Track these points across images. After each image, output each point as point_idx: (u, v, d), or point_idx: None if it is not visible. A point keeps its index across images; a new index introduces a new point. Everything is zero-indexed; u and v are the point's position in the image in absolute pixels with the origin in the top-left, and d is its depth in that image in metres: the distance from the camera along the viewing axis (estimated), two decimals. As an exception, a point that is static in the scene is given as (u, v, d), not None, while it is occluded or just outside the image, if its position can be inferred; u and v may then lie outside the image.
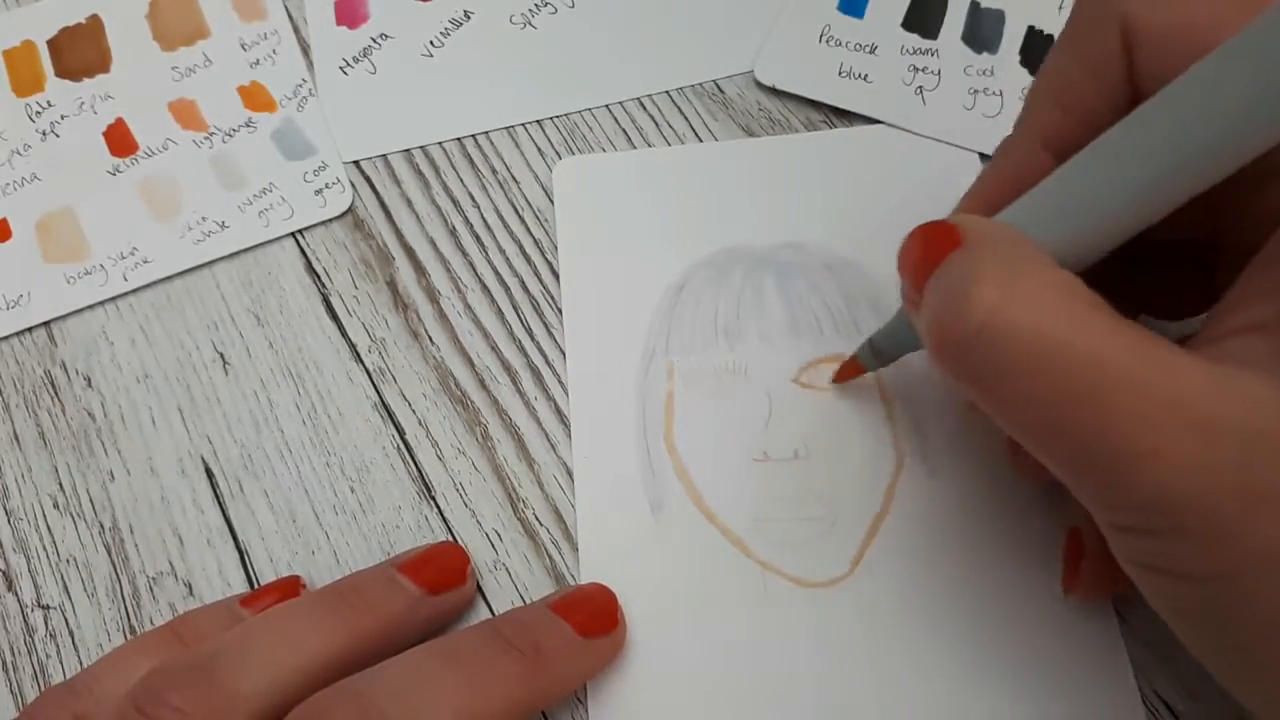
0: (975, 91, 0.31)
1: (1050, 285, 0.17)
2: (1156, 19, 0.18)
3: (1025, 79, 0.32)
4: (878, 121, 0.31)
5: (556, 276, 0.30)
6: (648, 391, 0.27)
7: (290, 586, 0.26)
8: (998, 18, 0.33)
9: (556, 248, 0.30)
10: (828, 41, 0.32)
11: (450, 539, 0.27)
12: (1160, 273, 0.22)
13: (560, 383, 0.28)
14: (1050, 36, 0.32)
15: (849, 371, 0.26)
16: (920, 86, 0.32)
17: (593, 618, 0.24)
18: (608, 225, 0.30)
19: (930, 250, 0.19)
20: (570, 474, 0.27)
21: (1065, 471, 0.17)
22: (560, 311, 0.29)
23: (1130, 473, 0.16)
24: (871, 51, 0.32)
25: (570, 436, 0.27)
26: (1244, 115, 0.16)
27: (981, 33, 0.32)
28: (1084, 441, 0.16)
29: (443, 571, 0.25)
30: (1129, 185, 0.18)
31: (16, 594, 0.28)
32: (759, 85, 0.32)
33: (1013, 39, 0.32)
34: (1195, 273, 0.21)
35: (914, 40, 0.32)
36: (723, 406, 0.27)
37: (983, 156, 0.30)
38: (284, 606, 0.24)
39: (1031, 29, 0.32)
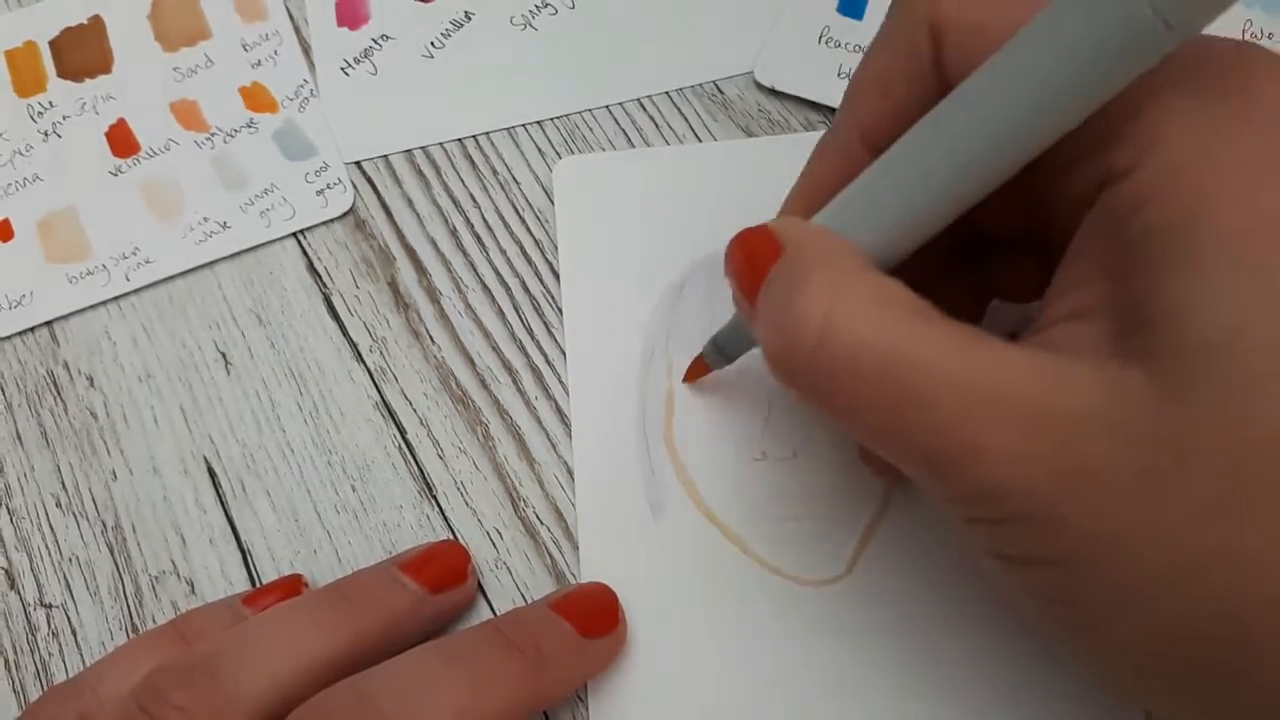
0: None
1: (870, 295, 0.18)
2: (963, 15, 0.19)
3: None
4: None
5: (557, 276, 0.30)
6: (647, 391, 0.28)
7: (292, 585, 0.26)
8: (996, 18, 0.33)
9: (556, 248, 0.30)
10: (827, 43, 0.33)
11: (451, 538, 0.27)
12: (1004, 258, 0.23)
13: (560, 382, 0.28)
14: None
15: (697, 371, 0.27)
16: (920, 87, 0.32)
17: (593, 617, 0.24)
18: (608, 225, 0.30)
19: (752, 260, 0.20)
20: (570, 473, 0.27)
21: (908, 470, 0.18)
22: (560, 311, 0.29)
23: (961, 469, 0.16)
24: None
25: (570, 436, 0.28)
26: (1031, 106, 0.16)
27: (981, 33, 0.33)
28: (918, 444, 0.17)
29: (444, 570, 0.25)
30: (932, 178, 0.18)
31: (19, 593, 0.28)
32: (759, 86, 0.32)
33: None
34: (1036, 256, 0.21)
35: None
36: (722, 406, 0.27)
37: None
38: (286, 605, 0.24)
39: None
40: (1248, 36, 0.32)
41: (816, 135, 0.31)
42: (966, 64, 0.18)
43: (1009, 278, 0.23)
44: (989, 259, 0.23)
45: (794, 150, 0.31)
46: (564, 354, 0.29)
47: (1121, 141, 0.16)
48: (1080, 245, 0.18)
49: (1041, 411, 0.16)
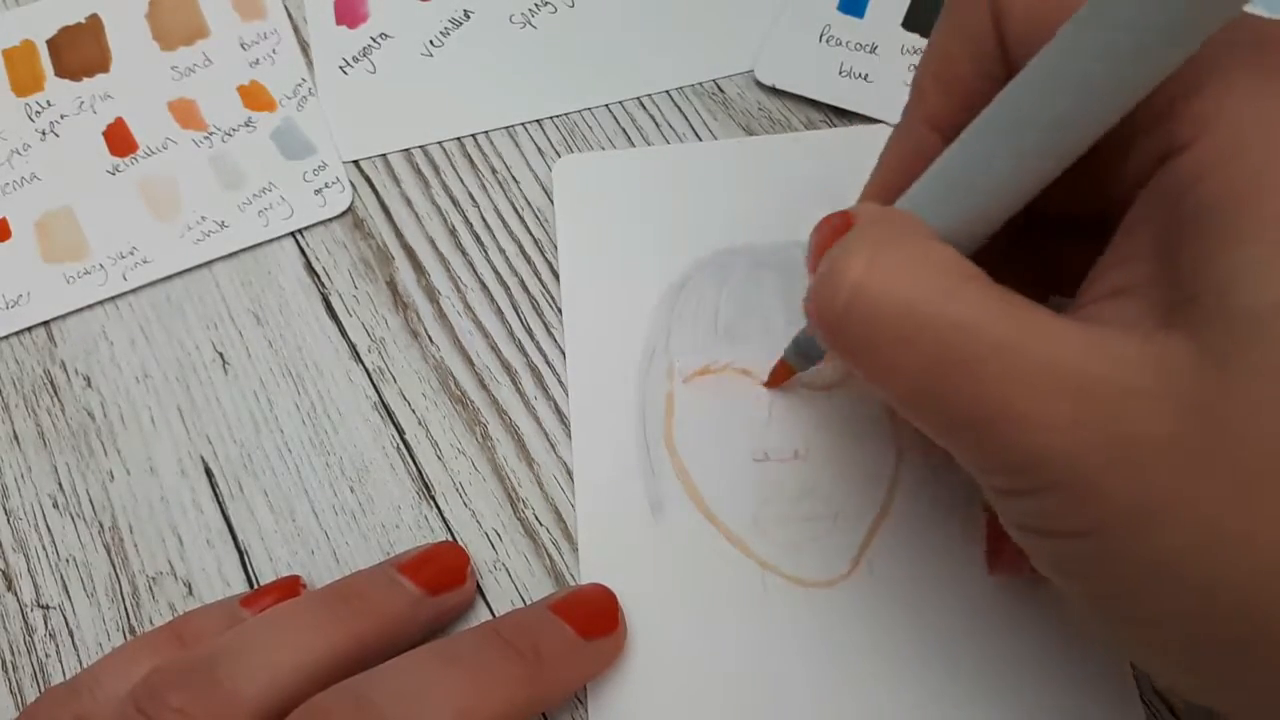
0: (976, 91, 0.31)
1: (921, 256, 0.17)
2: None
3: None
4: (878, 121, 0.31)
5: (556, 276, 0.30)
6: (648, 391, 0.27)
7: (290, 586, 0.26)
8: (998, 17, 0.33)
9: (556, 247, 0.30)
10: (828, 41, 0.32)
11: (450, 539, 0.27)
12: (1061, 251, 0.23)
13: (560, 383, 0.28)
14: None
15: (781, 375, 0.27)
16: (921, 86, 0.32)
17: (593, 619, 0.24)
18: (608, 224, 0.30)
19: (826, 239, 0.19)
20: (570, 474, 0.27)
21: (944, 439, 0.18)
22: (560, 311, 0.29)
23: (1002, 436, 0.16)
24: (872, 51, 0.32)
25: (570, 436, 0.27)
26: (1096, 82, 0.16)
27: (982, 32, 0.32)
28: (957, 408, 0.17)
29: (442, 571, 0.25)
30: (1002, 160, 0.18)
31: (16, 594, 0.28)
32: (759, 85, 0.32)
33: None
34: (1092, 248, 0.21)
35: (914, 40, 0.32)
36: (723, 406, 0.27)
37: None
38: (284, 607, 0.24)
39: (1032, 28, 0.32)
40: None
41: (817, 134, 0.31)
42: (1030, 44, 0.18)
43: (1069, 269, 0.23)
44: (1049, 251, 0.23)
45: (794, 148, 0.31)
46: (563, 354, 0.29)
47: (1180, 117, 0.16)
48: (1132, 221, 0.17)
49: (1087, 381, 0.15)
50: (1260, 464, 0.14)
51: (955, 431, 0.17)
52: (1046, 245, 0.23)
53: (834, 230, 0.19)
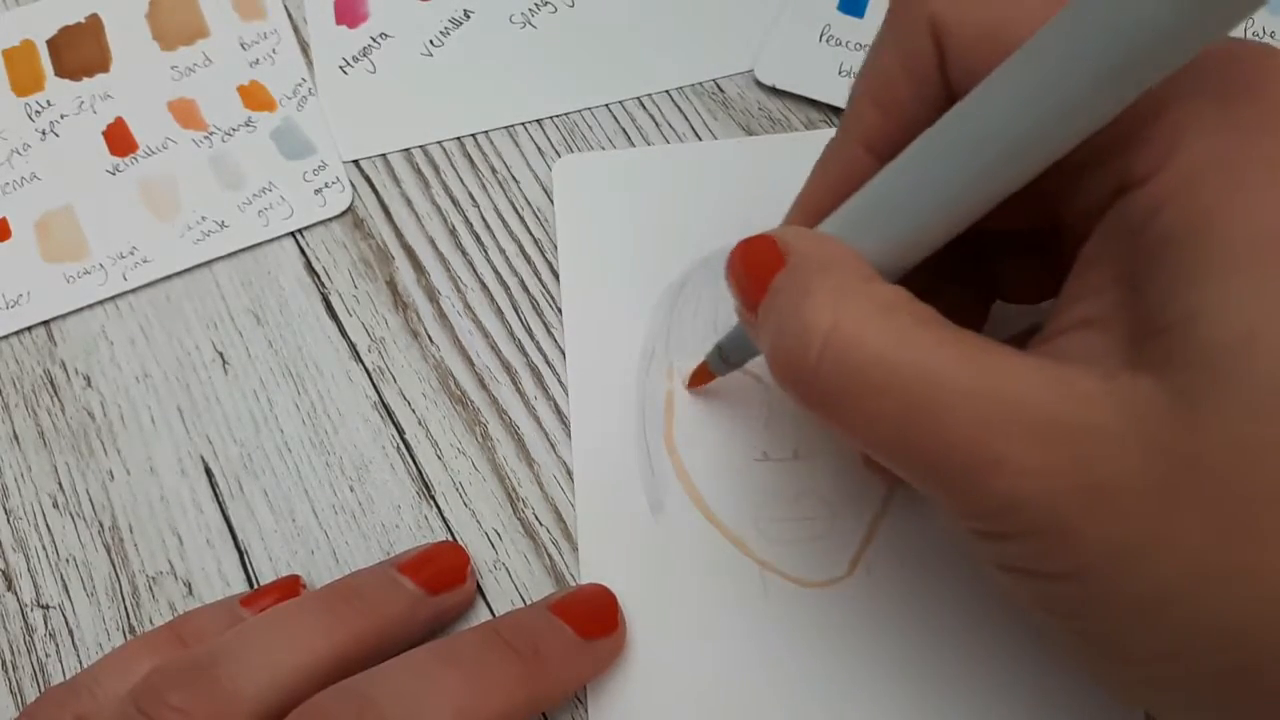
0: (975, 91, 0.31)
1: (881, 304, 0.17)
2: (965, 17, 0.18)
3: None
4: None
5: (556, 276, 0.30)
6: (647, 392, 0.27)
7: (290, 586, 0.26)
8: (998, 17, 0.33)
9: (556, 247, 0.30)
10: (828, 41, 0.32)
11: (450, 539, 0.27)
12: (1009, 260, 0.22)
13: (560, 383, 0.28)
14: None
15: (700, 378, 0.26)
16: (920, 86, 0.32)
17: (592, 619, 0.24)
18: (608, 224, 0.30)
19: (755, 269, 0.19)
20: (570, 474, 0.27)
21: (920, 485, 0.17)
22: (559, 311, 0.29)
23: (976, 482, 0.16)
24: None
25: (570, 437, 0.27)
26: (1048, 113, 0.16)
27: (982, 32, 0.32)
28: (930, 456, 0.16)
29: (442, 571, 0.25)
30: (942, 187, 0.18)
31: (16, 593, 0.28)
32: (759, 85, 0.32)
33: (1013, 38, 0.32)
34: (1042, 258, 0.21)
35: None
36: (722, 407, 0.27)
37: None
38: (284, 606, 0.24)
39: (1032, 29, 0.32)
40: (1249, 36, 0.32)
41: (818, 134, 0.31)
42: (973, 67, 0.18)
43: (1014, 279, 0.23)
44: (993, 260, 0.23)
45: (794, 148, 0.31)
46: (563, 354, 0.29)
47: (1140, 146, 0.16)
48: (1093, 252, 0.17)
49: (1055, 423, 0.15)
50: (1240, 500, 0.14)
51: (931, 478, 0.17)
52: (987, 256, 0.22)
53: (762, 262, 0.19)
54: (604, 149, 0.31)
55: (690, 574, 0.25)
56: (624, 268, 0.29)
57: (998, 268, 0.23)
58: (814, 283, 0.18)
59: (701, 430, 0.27)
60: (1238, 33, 0.32)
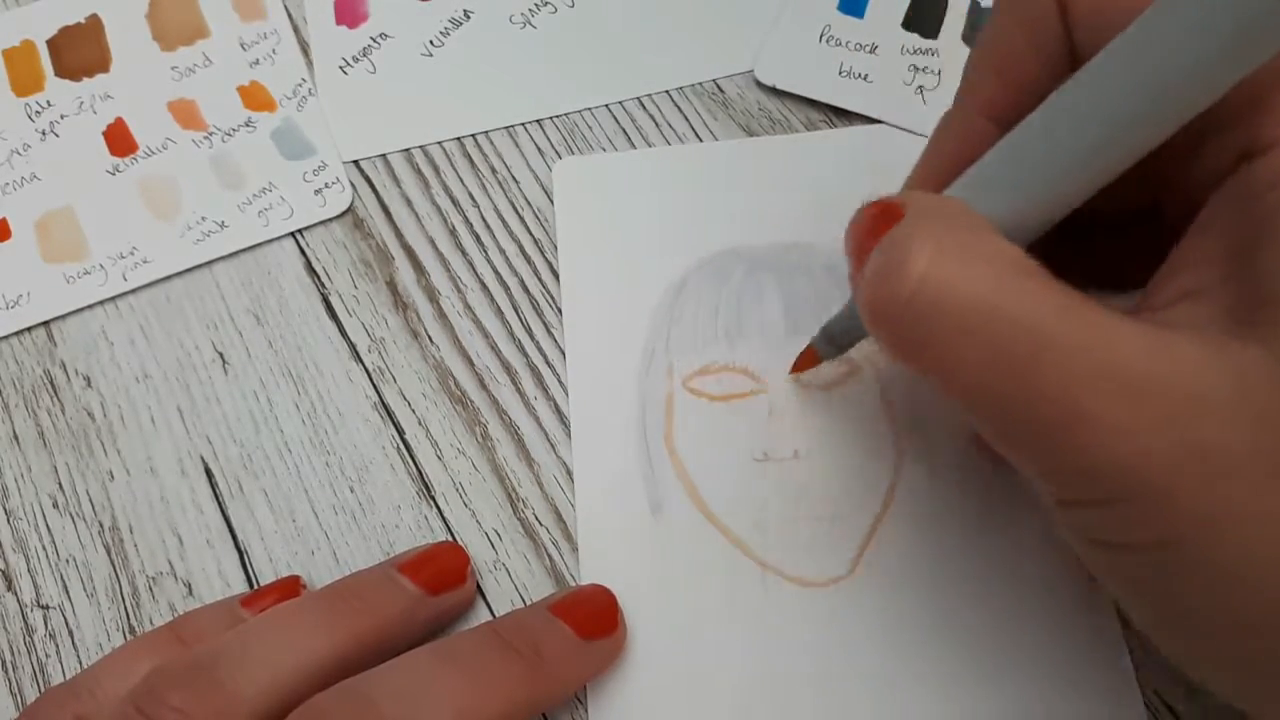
0: (975, 91, 0.31)
1: (984, 251, 0.17)
2: None
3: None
4: (878, 121, 0.31)
5: (556, 276, 0.30)
6: (648, 392, 0.27)
7: (290, 586, 0.26)
8: (998, 17, 0.33)
9: (556, 247, 0.30)
10: (828, 41, 0.32)
11: (450, 539, 0.27)
12: (1106, 245, 0.22)
13: (560, 382, 0.28)
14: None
15: (806, 361, 0.26)
16: (920, 86, 0.32)
17: (592, 619, 0.24)
18: (608, 225, 0.30)
19: (872, 227, 0.19)
20: (570, 474, 0.27)
21: (1006, 441, 0.17)
22: (560, 311, 0.29)
23: (1065, 438, 0.15)
24: (872, 51, 0.32)
25: (570, 436, 0.27)
26: (1172, 80, 0.16)
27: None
28: (1019, 408, 0.16)
29: (443, 572, 0.25)
30: (1067, 154, 0.17)
31: (16, 594, 0.28)
32: (759, 85, 0.32)
33: (1013, 38, 0.32)
34: (1140, 243, 0.21)
35: (914, 40, 0.32)
36: (723, 406, 0.27)
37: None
38: (284, 607, 0.24)
39: (1032, 29, 0.32)
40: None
41: (818, 134, 0.31)
42: (1098, 33, 0.17)
43: (1111, 264, 0.22)
44: (1095, 242, 0.22)
45: (793, 149, 0.31)
46: (563, 354, 0.29)
47: (1266, 112, 0.16)
48: (1205, 221, 0.17)
49: (1157, 386, 0.15)
50: None
51: (1020, 433, 0.16)
52: (1092, 239, 0.22)
53: (880, 219, 0.18)
54: (604, 149, 0.31)
55: (691, 574, 0.25)
56: (624, 269, 0.29)
57: (1096, 253, 0.22)
58: (923, 227, 0.17)
59: (702, 430, 0.27)
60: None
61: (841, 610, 0.25)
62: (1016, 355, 0.16)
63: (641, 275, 0.29)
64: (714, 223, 0.29)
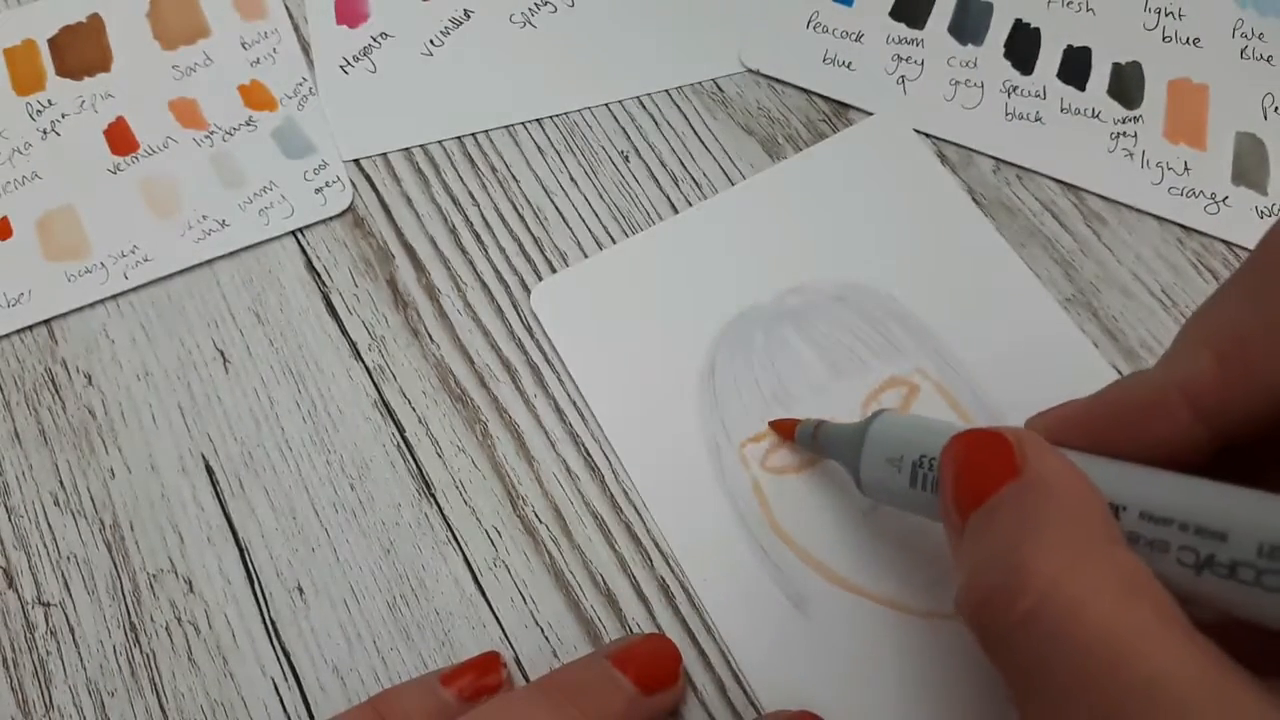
0: (956, 83, 0.32)
1: (1115, 576, 0.15)
2: None
3: (1008, 71, 0.32)
4: (859, 109, 0.31)
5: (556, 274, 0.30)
6: (731, 488, 0.26)
7: (489, 664, 0.25)
8: (985, 9, 0.33)
9: (556, 247, 0.30)
10: (815, 28, 0.33)
11: (659, 632, 0.26)
12: None
13: (560, 381, 0.28)
14: (1037, 30, 0.33)
15: (783, 429, 0.26)
16: (903, 76, 0.32)
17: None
18: (608, 335, 0.29)
19: (978, 472, 0.17)
20: (570, 473, 0.27)
21: None
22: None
23: None
24: (857, 39, 0.32)
25: (569, 435, 0.27)
26: None
27: (969, 24, 0.33)
28: None
29: (658, 668, 0.23)
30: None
31: (17, 591, 0.28)
32: (758, 84, 0.32)
33: (998, 31, 0.33)
34: None
35: (900, 29, 0.33)
36: (809, 475, 0.26)
37: (946, 142, 0.31)
38: (510, 702, 0.22)
39: (1018, 22, 0.33)
40: (1238, 36, 0.32)
41: (779, 168, 0.30)
42: None
43: None
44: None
45: (760, 193, 0.30)
46: (561, 354, 0.29)
47: None
48: None
49: None
50: None
51: None
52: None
53: (989, 466, 0.16)
54: (604, 148, 0.31)
55: (862, 654, 0.24)
56: (645, 372, 0.28)
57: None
58: (1048, 524, 0.15)
59: (801, 505, 0.26)
60: (1226, 32, 0.32)
61: None
62: (1135, 709, 0.14)
63: (666, 372, 0.28)
64: (710, 294, 0.29)
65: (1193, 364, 0.17)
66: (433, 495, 0.28)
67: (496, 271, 0.30)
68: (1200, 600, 0.16)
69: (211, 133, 0.33)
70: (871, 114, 0.31)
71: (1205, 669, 0.14)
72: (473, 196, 0.31)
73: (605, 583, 0.26)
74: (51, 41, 0.35)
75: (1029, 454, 0.16)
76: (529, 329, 0.29)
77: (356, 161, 0.32)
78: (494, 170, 0.31)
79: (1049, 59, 0.32)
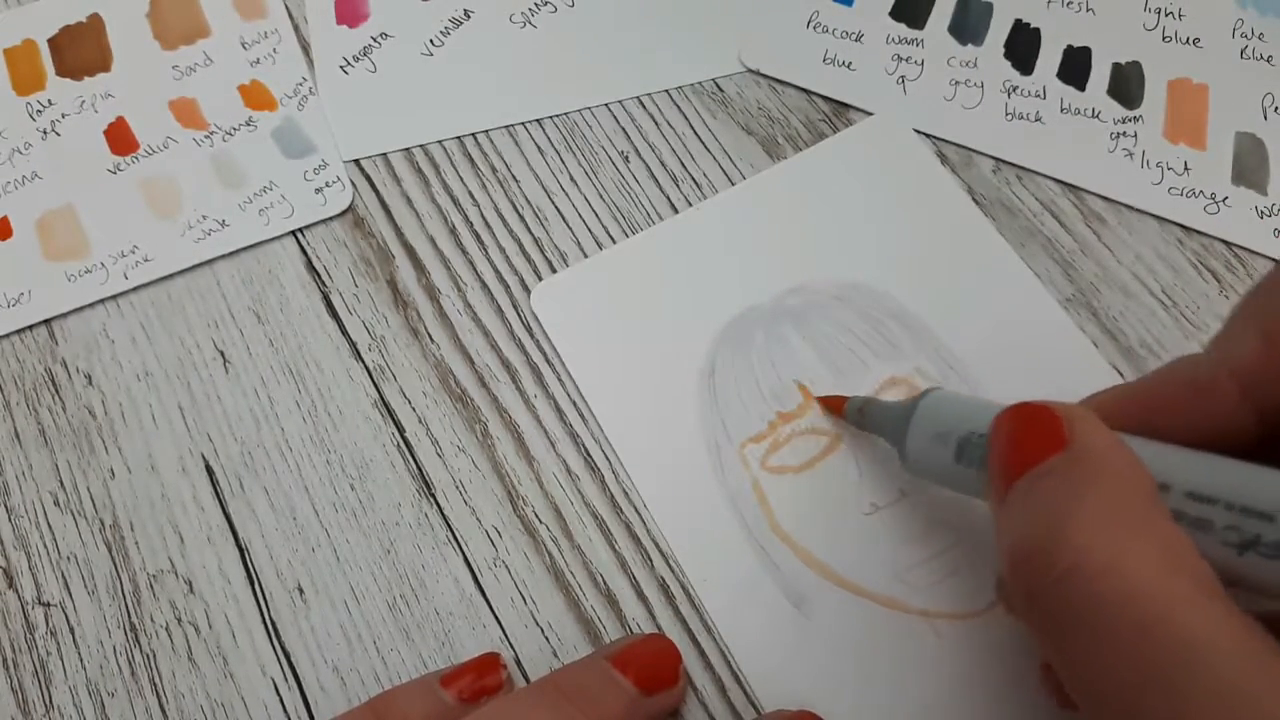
0: (956, 83, 0.32)
1: (1159, 547, 0.15)
2: None
3: (1008, 71, 0.32)
4: (859, 109, 0.31)
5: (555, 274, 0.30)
6: (731, 487, 0.26)
7: (488, 665, 0.25)
8: (985, 10, 0.33)
9: (556, 248, 0.30)
10: (815, 28, 0.33)
11: (660, 632, 0.26)
12: None
13: (560, 381, 0.28)
14: (1037, 30, 0.33)
15: (833, 404, 0.26)
16: (902, 76, 0.32)
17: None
18: (609, 335, 0.29)
19: (1026, 442, 0.17)
20: (570, 473, 0.27)
21: None
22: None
23: None
24: (857, 39, 0.32)
25: (570, 437, 0.27)
26: None
27: (969, 24, 0.33)
28: None
29: (657, 668, 0.24)
30: None
31: (17, 591, 0.28)
32: (758, 84, 0.32)
33: (998, 31, 0.33)
34: None
35: (901, 29, 0.33)
36: (810, 474, 0.26)
37: (946, 142, 0.31)
38: (511, 704, 0.22)
39: (1018, 22, 0.33)
40: (1238, 36, 0.32)
41: (778, 168, 0.30)
42: None
43: None
44: None
45: (761, 193, 0.30)
46: (561, 354, 0.29)
47: None
48: None
49: None
50: None
51: None
52: None
53: (1038, 438, 0.16)
54: (604, 148, 0.31)
55: (861, 652, 0.24)
56: (645, 372, 0.28)
57: None
58: (1092, 490, 0.15)
59: (801, 505, 0.26)
60: (1225, 32, 0.32)
61: (1002, 631, 0.24)
62: (1168, 682, 0.14)
63: (666, 372, 0.28)
64: (710, 294, 0.29)
65: (1240, 344, 0.17)
66: (433, 495, 0.28)
67: (496, 271, 0.30)
68: (1241, 581, 0.16)
69: (211, 133, 0.33)
70: (871, 114, 0.31)
71: (1244, 639, 0.14)
72: (473, 196, 0.31)
73: (605, 583, 0.26)
74: (51, 41, 0.35)
75: (1078, 428, 0.17)
76: (529, 329, 0.29)
77: (356, 161, 0.32)
78: (494, 170, 0.31)
79: (1049, 59, 0.32)
